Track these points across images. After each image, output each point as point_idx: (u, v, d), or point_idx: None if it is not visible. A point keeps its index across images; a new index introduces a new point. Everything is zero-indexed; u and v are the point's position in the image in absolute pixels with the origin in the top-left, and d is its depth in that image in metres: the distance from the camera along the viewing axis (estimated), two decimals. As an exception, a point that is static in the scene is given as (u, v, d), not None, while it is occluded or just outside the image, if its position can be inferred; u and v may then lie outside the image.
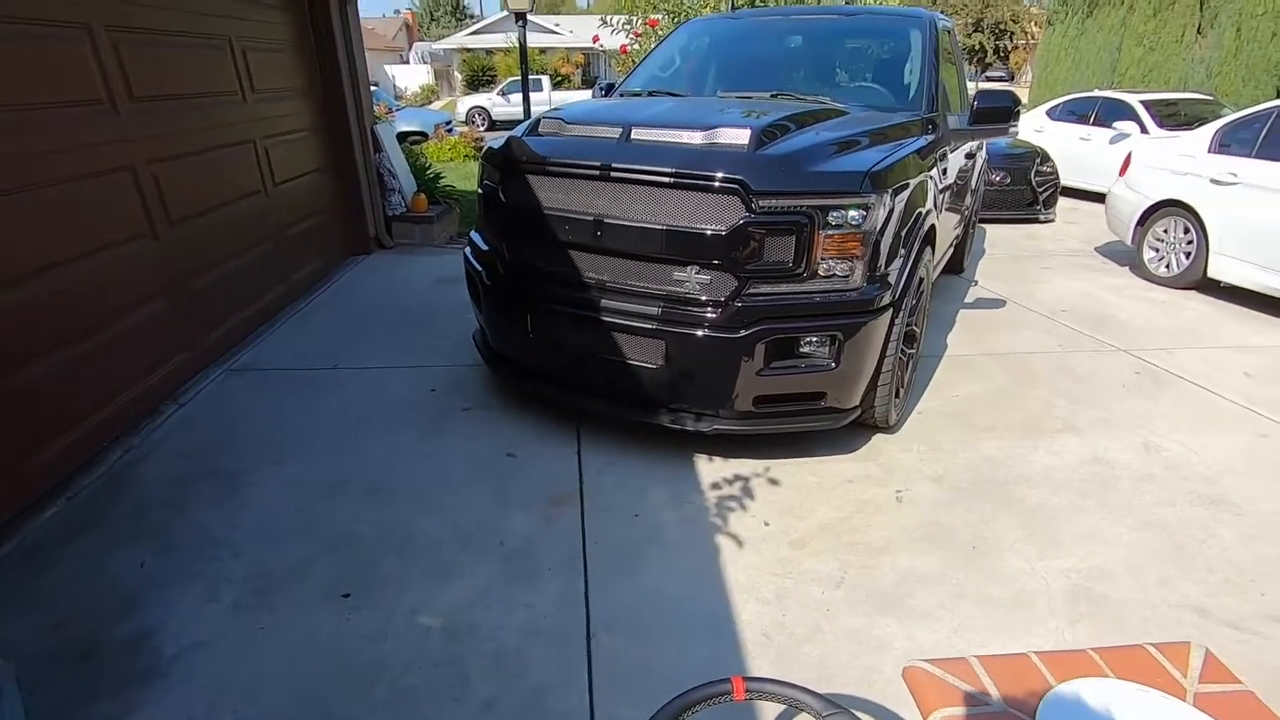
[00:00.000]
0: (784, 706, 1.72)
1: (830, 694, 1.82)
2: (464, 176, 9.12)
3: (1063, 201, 8.10)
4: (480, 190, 3.27)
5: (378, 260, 5.66)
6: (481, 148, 4.62)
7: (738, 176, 2.49)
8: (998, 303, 4.89)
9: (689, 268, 2.63)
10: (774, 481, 2.78)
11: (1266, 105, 5.01)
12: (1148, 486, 2.78)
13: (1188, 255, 5.22)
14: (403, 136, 9.67)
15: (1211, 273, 5.03)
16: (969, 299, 4.97)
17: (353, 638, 1.99)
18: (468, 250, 3.38)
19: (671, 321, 2.65)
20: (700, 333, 2.61)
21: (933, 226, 3.24)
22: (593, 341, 2.81)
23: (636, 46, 10.22)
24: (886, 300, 2.70)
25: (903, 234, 2.83)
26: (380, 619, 2.06)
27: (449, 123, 15.72)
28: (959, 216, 4.61)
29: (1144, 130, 8.05)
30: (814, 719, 1.10)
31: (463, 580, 2.22)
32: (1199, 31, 12.40)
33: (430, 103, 26.87)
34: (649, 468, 2.84)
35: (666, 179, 2.58)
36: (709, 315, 2.61)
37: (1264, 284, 4.70)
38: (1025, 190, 7.46)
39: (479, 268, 3.19)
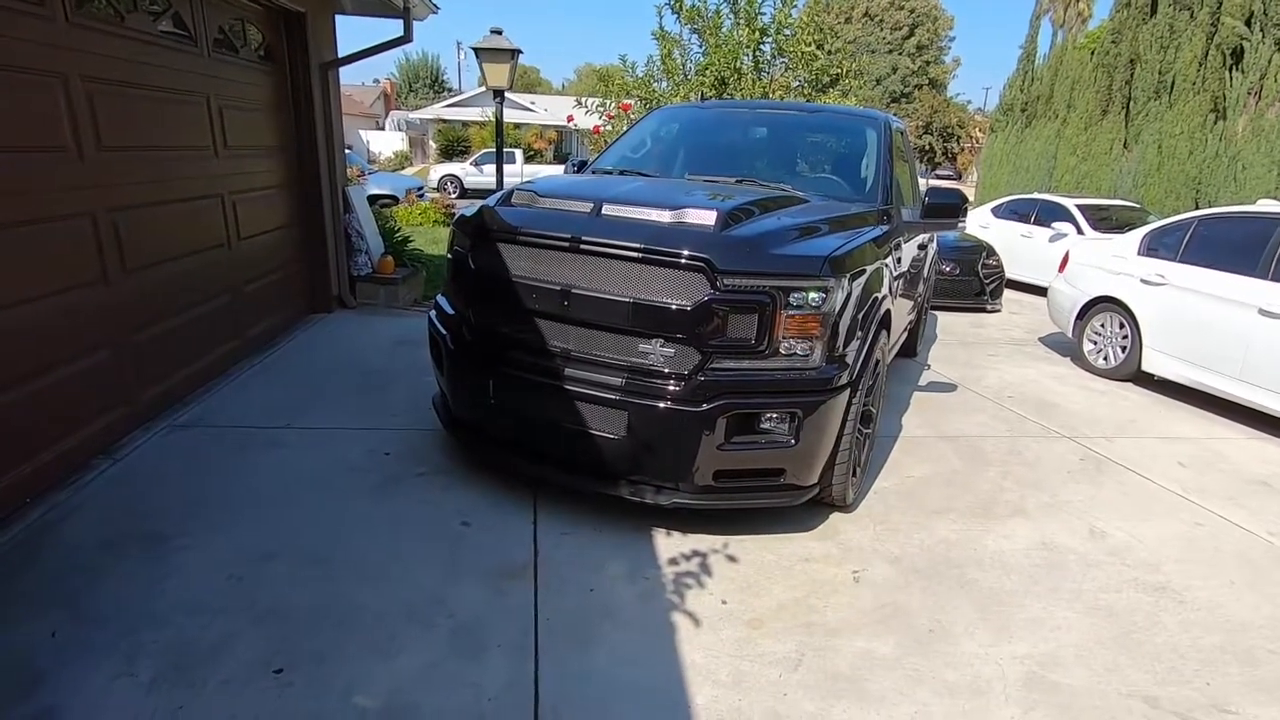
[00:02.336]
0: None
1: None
2: (432, 241, 9.18)
3: (1008, 293, 8.54)
4: (450, 255, 3.29)
5: (339, 319, 5.59)
6: (453, 214, 4.69)
7: (704, 255, 2.57)
8: (949, 387, 5.05)
9: (654, 340, 2.66)
10: (732, 558, 2.74)
11: (1187, 215, 5.44)
12: (1094, 572, 2.83)
13: (1123, 349, 5.51)
14: (373, 199, 9.75)
15: (1145, 366, 5.31)
16: (922, 381, 5.13)
17: (282, 717, 1.85)
18: (433, 314, 3.38)
19: (635, 393, 2.66)
20: (663, 405, 2.62)
21: (888, 311, 3.37)
22: (555, 410, 2.79)
23: (609, 128, 10.65)
24: (844, 380, 2.77)
25: (860, 317, 2.94)
26: (313, 698, 1.93)
27: (420, 188, 15.94)
28: (913, 302, 4.81)
29: (1080, 231, 8.62)
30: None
31: (405, 657, 2.11)
32: (1125, 146, 13.52)
33: (403, 168, 27.30)
34: (607, 540, 2.78)
35: (635, 254, 2.65)
36: (672, 388, 2.63)
37: (1192, 379, 4.97)
38: (973, 281, 7.85)
39: (443, 332, 3.17)
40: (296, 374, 4.31)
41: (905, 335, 4.97)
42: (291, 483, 3.03)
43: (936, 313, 7.38)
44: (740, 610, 2.45)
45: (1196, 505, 3.47)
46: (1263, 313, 4.49)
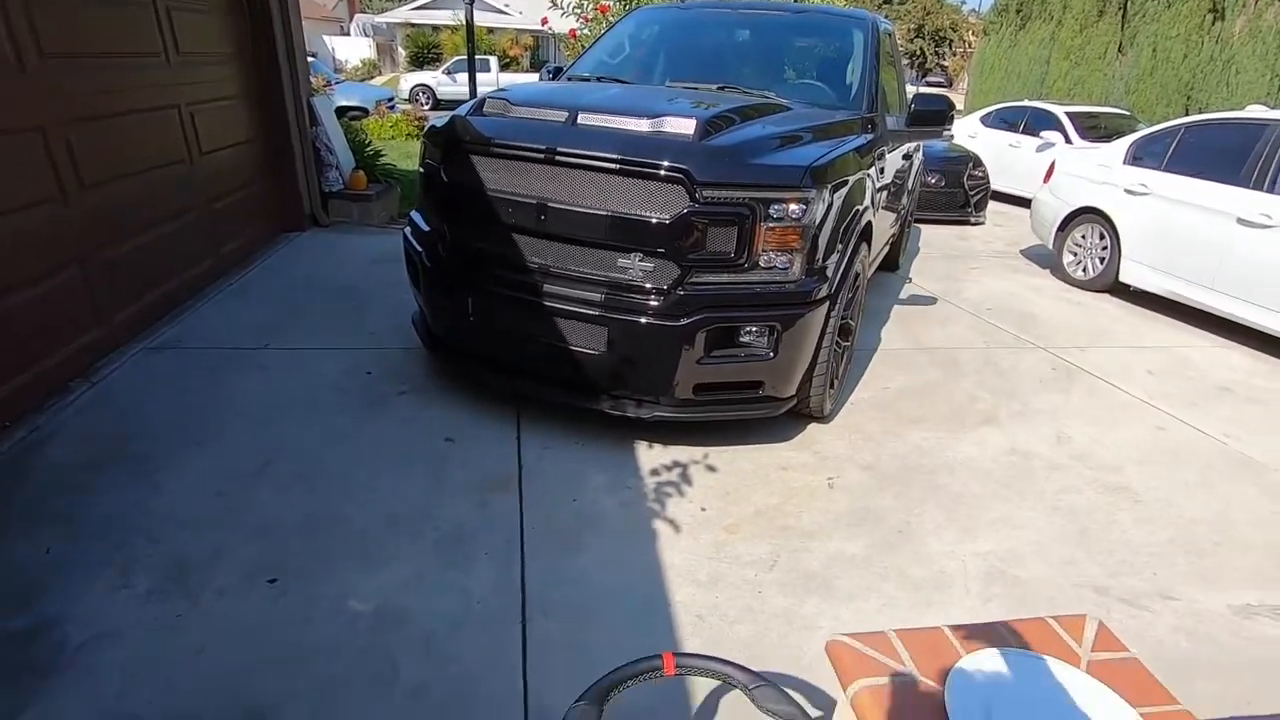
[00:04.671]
0: (714, 681, 1.76)
1: (760, 670, 1.87)
2: (406, 155, 8.86)
3: (993, 205, 8.47)
4: (422, 169, 3.19)
5: (313, 238, 5.45)
6: (425, 127, 4.50)
7: (682, 166, 2.51)
8: (929, 299, 5.08)
9: (632, 255, 2.64)
10: (711, 468, 2.82)
11: (1175, 122, 5.36)
12: (1058, 475, 2.95)
13: (1102, 260, 5.54)
14: (342, 111, 9.30)
15: (1123, 277, 5.36)
16: (903, 295, 5.15)
17: (278, 624, 1.93)
18: (408, 230, 3.30)
19: (614, 308, 2.66)
20: (642, 320, 2.62)
21: (869, 223, 3.34)
22: (534, 326, 2.79)
23: (586, 31, 10.11)
24: (824, 293, 2.78)
25: (840, 229, 2.91)
26: (307, 604, 2.01)
27: (391, 99, 15.23)
28: (895, 215, 4.76)
29: (1068, 140, 8.48)
30: (741, 692, 1.13)
31: (393, 565, 2.18)
32: (1120, 49, 13.12)
33: (371, 78, 25.94)
34: (588, 453, 2.85)
35: (611, 165, 2.58)
36: (651, 303, 2.63)
37: (1167, 289, 5.03)
38: (959, 193, 7.76)
39: (419, 249, 3.11)
40: (273, 294, 4.24)
41: (887, 248, 4.95)
42: (273, 403, 3.03)
43: (920, 225, 7.33)
44: (718, 516, 2.54)
45: (1160, 411, 3.60)
46: (1240, 222, 4.50)
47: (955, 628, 1.24)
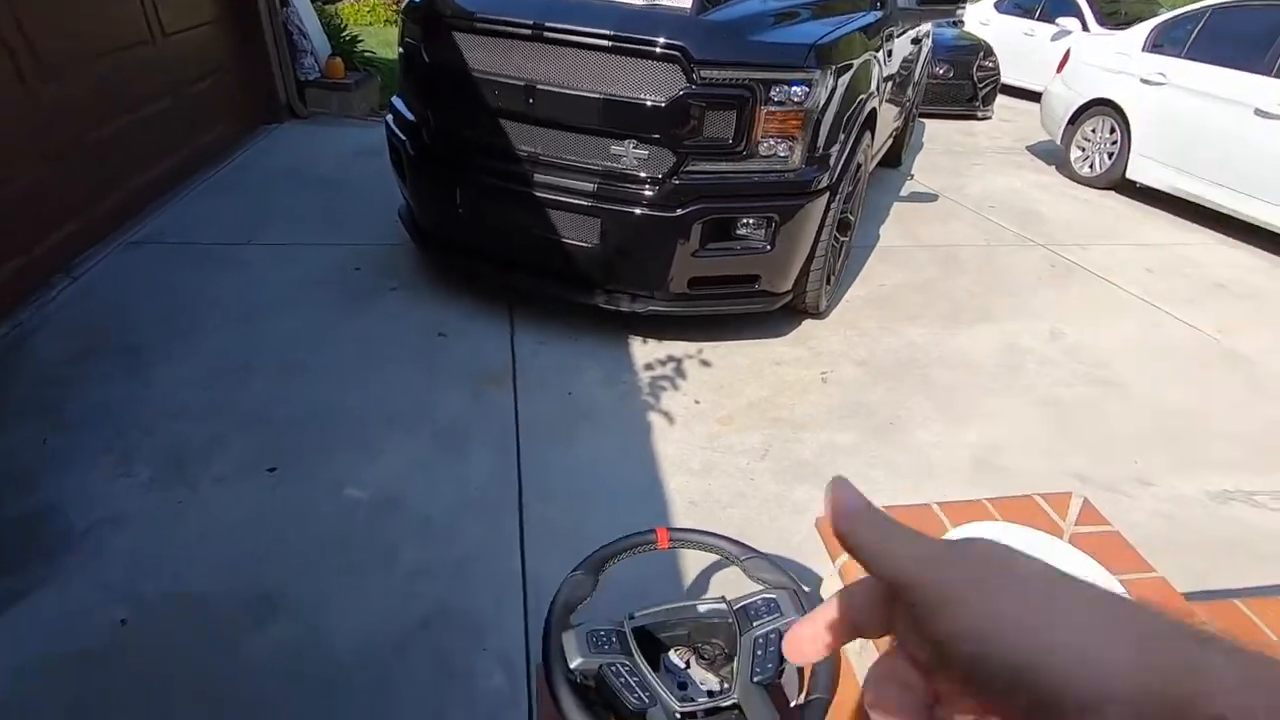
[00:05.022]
0: (707, 555, 1.83)
1: (749, 553, 1.94)
2: (384, 43, 8.33)
3: (1000, 99, 8.12)
4: (401, 49, 2.99)
5: (292, 130, 5.20)
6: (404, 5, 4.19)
7: (679, 43, 2.35)
8: (931, 196, 4.95)
9: (625, 142, 2.52)
10: (706, 363, 2.83)
11: (1202, 4, 5.04)
12: (1049, 369, 2.97)
13: (1111, 155, 5.37)
14: (313, -7, 8.68)
15: (1130, 173, 5.21)
16: (904, 192, 5.02)
17: (278, 510, 1.97)
18: (389, 118, 3.14)
19: (607, 198, 2.57)
20: (637, 211, 2.54)
21: (874, 110, 3.19)
22: (525, 218, 2.70)
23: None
24: (824, 183, 2.68)
25: (844, 116, 2.78)
26: (306, 492, 2.04)
27: (366, -19, 14.16)
28: (900, 108, 4.56)
29: (1085, 27, 8.03)
30: (733, 563, 1.16)
31: (390, 455, 2.21)
32: (1149, -74, 12.21)
33: (344, -42, 24.06)
34: (583, 348, 2.83)
35: (603, 42, 2.41)
36: (646, 193, 2.54)
37: (1174, 185, 4.91)
38: (967, 85, 7.42)
39: (402, 137, 2.97)
40: (253, 188, 4.08)
41: (890, 142, 4.77)
42: (259, 298, 2.98)
43: (924, 120, 7.05)
44: (712, 409, 2.56)
45: (1155, 307, 3.58)
46: (1258, 113, 4.33)
47: (944, 504, 1.27)
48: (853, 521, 0.31)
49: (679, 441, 2.38)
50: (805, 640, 0.33)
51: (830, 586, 1.24)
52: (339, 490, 2.06)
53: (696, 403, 2.59)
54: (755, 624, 1.03)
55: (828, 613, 0.33)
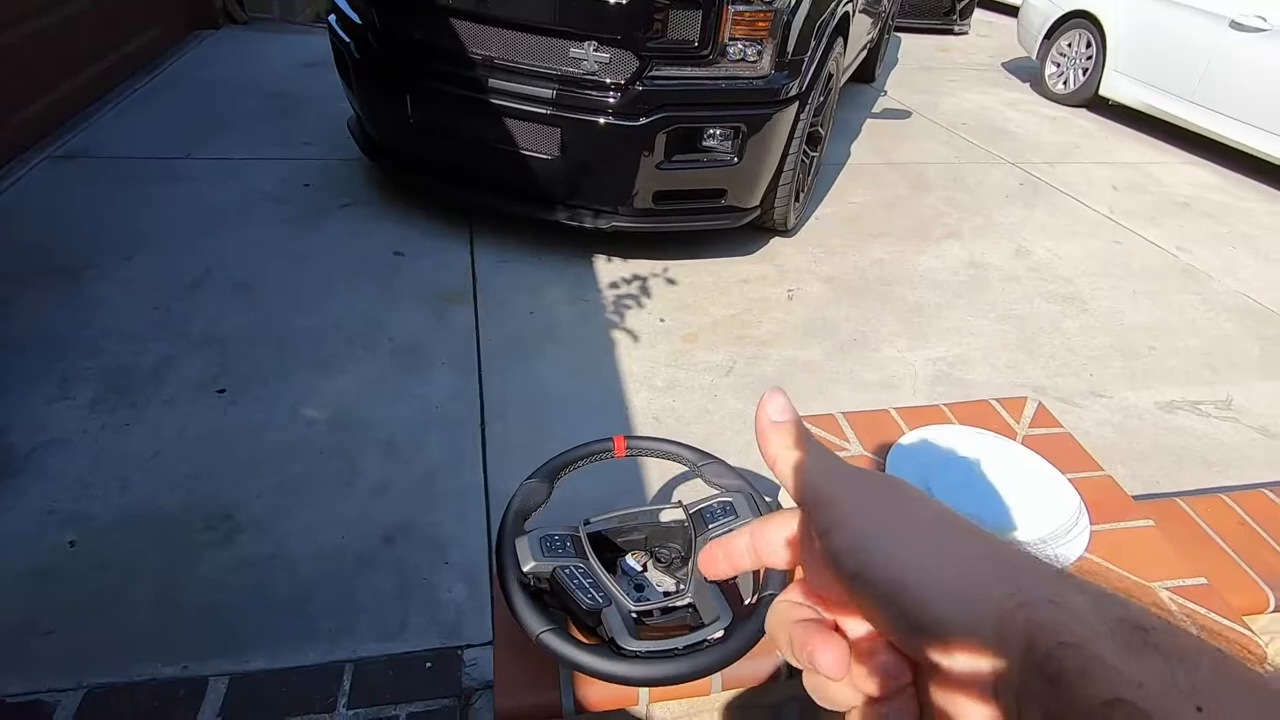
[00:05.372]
0: (667, 467, 1.84)
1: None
2: (330, -58, 7.71)
3: (978, 14, 7.87)
4: (340, -61, 2.75)
5: (231, 36, 4.83)
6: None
7: (641, -68, 2.19)
8: (903, 114, 4.84)
9: (586, 44, 2.38)
10: (671, 281, 2.78)
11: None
12: (1013, 286, 2.99)
13: (1085, 71, 5.28)
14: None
15: (1103, 90, 5.14)
16: (876, 109, 4.89)
17: (232, 430, 1.92)
18: (332, 18, 2.91)
19: (567, 106, 2.44)
20: (598, 120, 2.43)
21: (847, 16, 3.05)
22: (481, 129, 2.57)
23: None
24: (794, 91, 2.58)
25: (816, 20, 2.65)
26: (261, 412, 1.99)
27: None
28: (874, 19, 4.38)
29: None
30: (691, 469, 1.15)
31: (349, 375, 2.15)
32: None
33: None
34: (546, 266, 2.76)
35: (560, -70, 2.24)
36: (608, 99, 2.41)
37: (1146, 102, 4.86)
38: (944, -2, 7.16)
39: (346, 40, 2.76)
40: (189, 99, 3.81)
41: (864, 55, 4.61)
42: (204, 215, 2.82)
43: (899, 34, 6.82)
44: (677, 327, 2.54)
45: (1119, 225, 3.60)
46: (1233, 25, 4.26)
47: (901, 409, 1.27)
48: (773, 432, 0.32)
49: (643, 359, 2.36)
50: (717, 559, 0.35)
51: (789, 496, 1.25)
52: (296, 410, 2.01)
53: (661, 321, 2.55)
54: (711, 526, 1.03)
55: (740, 538, 0.34)
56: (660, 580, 1.05)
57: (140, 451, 1.82)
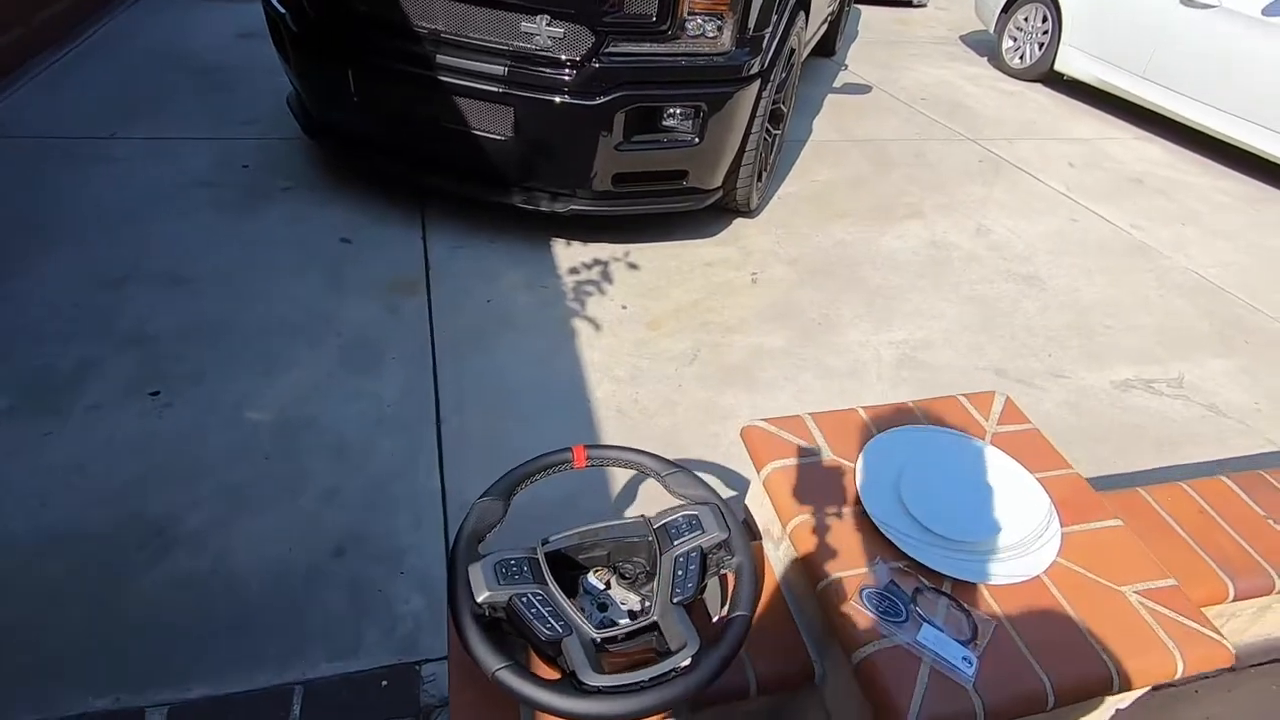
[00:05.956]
0: (631, 473, 1.78)
1: (677, 459, 1.91)
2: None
3: (937, -16, 7.85)
4: (270, -100, 2.55)
5: (158, 6, 4.51)
6: None
7: (594, -102, 2.07)
8: (864, 89, 4.79)
9: (539, 18, 2.26)
10: (634, 265, 2.70)
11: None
12: (974, 266, 2.99)
13: (1041, 46, 5.30)
14: None
15: (1059, 65, 5.17)
16: (837, 83, 4.83)
17: (166, 437, 1.80)
18: (265, -15, 2.72)
19: (520, 84, 2.33)
20: (553, 99, 2.32)
21: (809, -12, 2.97)
22: (429, 107, 2.43)
23: None
24: (756, 68, 2.50)
25: (777, -8, 2.57)
26: (198, 416, 1.87)
27: None
28: (836, -12, 4.31)
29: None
30: (655, 479, 1.10)
31: (294, 373, 2.04)
32: None
33: None
34: (502, 252, 2.66)
35: (507, -105, 2.10)
36: (563, 77, 2.30)
37: (1099, 77, 4.91)
38: (903, -32, 7.11)
39: (281, 9, 2.58)
40: (113, 74, 3.55)
41: (824, 28, 4.54)
42: (132, 200, 2.63)
43: (860, 6, 6.76)
44: (640, 314, 2.47)
45: (1075, 202, 3.64)
46: (1184, 2, 4.31)
47: (869, 408, 1.23)
48: None
49: (605, 349, 2.29)
50: None
51: (755, 495, 1.20)
52: (236, 413, 1.90)
53: (624, 308, 2.48)
54: (676, 542, 0.98)
55: None
56: (625, 598, 1.00)
57: (62, 464, 1.69)
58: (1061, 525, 1.02)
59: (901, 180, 3.62)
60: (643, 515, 1.05)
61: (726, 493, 1.80)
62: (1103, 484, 1.51)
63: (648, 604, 0.97)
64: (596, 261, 2.68)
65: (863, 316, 2.60)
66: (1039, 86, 5.36)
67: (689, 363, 2.28)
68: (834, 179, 3.54)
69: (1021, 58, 5.48)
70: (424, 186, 2.72)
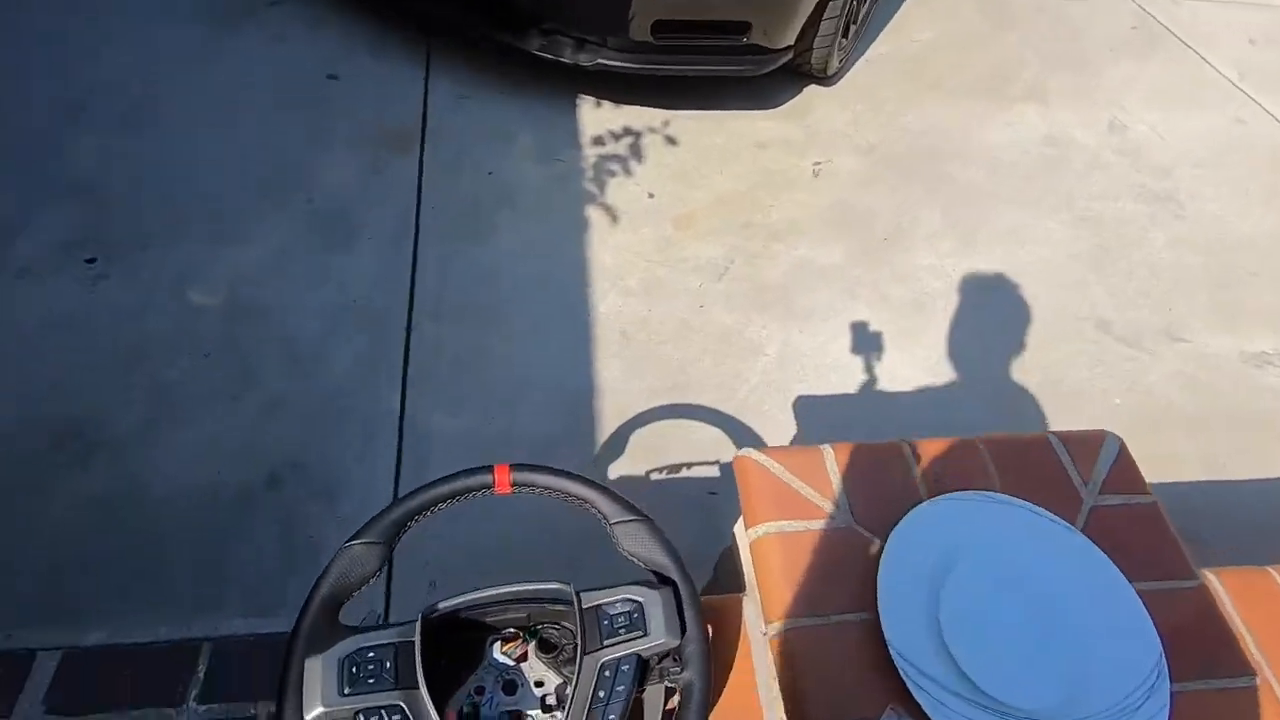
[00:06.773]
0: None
1: (682, 404, 1.61)
2: None
3: None
4: None
5: None
6: None
7: None
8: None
9: None
10: (671, 140, 2.23)
11: None
12: (1097, 175, 2.40)
13: None
14: None
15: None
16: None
17: (98, 315, 1.57)
18: None
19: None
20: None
21: None
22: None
23: None
24: (860, -121, 1.85)
25: None
26: (137, 291, 1.62)
27: None
28: None
29: None
30: (603, 525, 0.80)
31: (251, 246, 1.75)
32: None
33: None
34: (516, 109, 2.21)
35: None
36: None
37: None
38: None
39: None
40: None
41: None
42: (81, 20, 2.21)
43: None
44: (669, 205, 2.05)
45: (1247, 96, 2.87)
46: None
47: (919, 444, 0.88)
48: None
49: (620, 249, 1.91)
50: None
51: (742, 547, 0.90)
52: (180, 291, 1.64)
53: (650, 196, 2.06)
54: (607, 642, 0.71)
55: None
56: (542, 676, 0.75)
57: (-25, 343, 1.49)
58: (1172, 683, 0.70)
59: (1022, 47, 2.88)
60: (569, 582, 0.76)
61: (726, 493, 1.49)
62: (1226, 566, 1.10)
63: (570, 690, 0.70)
64: (627, 131, 2.22)
65: (942, 233, 2.12)
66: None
67: (718, 277, 1.89)
68: (937, 38, 2.84)
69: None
70: (429, 18, 2.23)
